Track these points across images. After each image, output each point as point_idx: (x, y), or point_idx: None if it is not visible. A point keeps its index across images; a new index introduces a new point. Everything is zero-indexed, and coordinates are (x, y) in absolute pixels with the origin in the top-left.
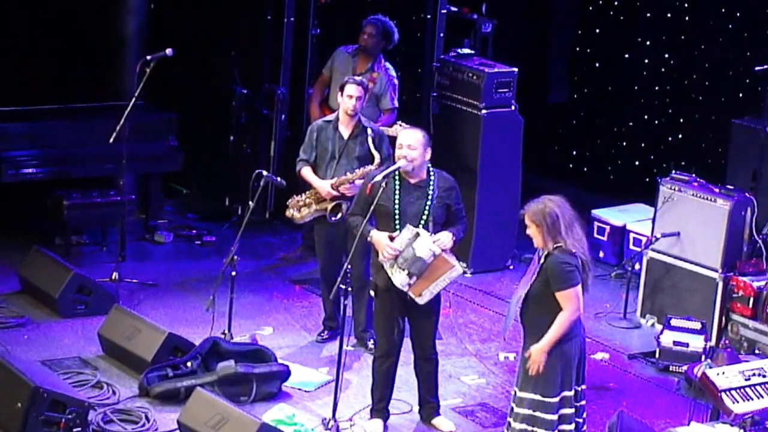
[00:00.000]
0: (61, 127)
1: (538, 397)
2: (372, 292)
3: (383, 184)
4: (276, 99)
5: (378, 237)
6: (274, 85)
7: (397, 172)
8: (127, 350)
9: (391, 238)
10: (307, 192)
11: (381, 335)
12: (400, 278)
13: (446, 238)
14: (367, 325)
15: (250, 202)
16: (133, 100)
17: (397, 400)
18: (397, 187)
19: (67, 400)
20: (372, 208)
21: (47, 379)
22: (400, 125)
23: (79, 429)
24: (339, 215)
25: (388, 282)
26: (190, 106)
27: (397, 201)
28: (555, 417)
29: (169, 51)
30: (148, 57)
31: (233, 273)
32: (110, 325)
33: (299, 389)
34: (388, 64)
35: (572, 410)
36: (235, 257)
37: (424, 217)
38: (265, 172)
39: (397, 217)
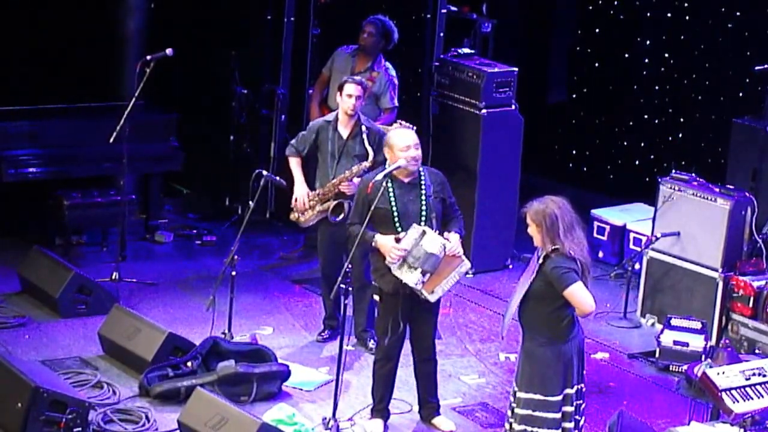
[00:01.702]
0: (61, 126)
1: (539, 396)
2: (377, 297)
3: (383, 183)
4: (276, 99)
5: (383, 241)
6: (274, 85)
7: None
8: (128, 350)
9: (397, 240)
10: (310, 194)
11: (383, 339)
12: (413, 278)
13: (456, 239)
14: (367, 325)
15: (251, 202)
16: (134, 99)
17: (398, 400)
18: (392, 188)
19: (68, 400)
20: (371, 210)
21: (48, 379)
22: (400, 124)
23: (80, 429)
24: (341, 215)
25: (395, 285)
26: (190, 106)
27: (394, 202)
28: (558, 415)
29: (169, 51)
30: (149, 57)
31: (233, 273)
32: (110, 324)
33: (299, 389)
34: (387, 64)
35: (572, 408)
36: (236, 257)
37: (424, 213)
38: (265, 172)
39: (396, 217)
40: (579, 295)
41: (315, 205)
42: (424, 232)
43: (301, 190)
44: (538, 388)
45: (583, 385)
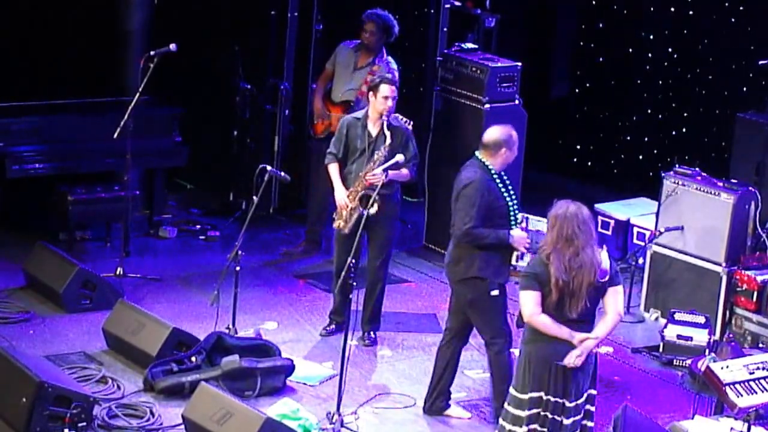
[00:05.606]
0: (65, 122)
1: (512, 390)
2: (496, 292)
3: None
4: (279, 94)
5: (519, 235)
6: (277, 80)
7: (493, 170)
8: (132, 345)
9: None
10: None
11: (501, 327)
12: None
13: None
14: (371, 320)
15: (254, 197)
16: (137, 95)
17: (401, 395)
18: (499, 184)
19: (72, 395)
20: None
21: (52, 374)
22: (398, 118)
23: (84, 424)
24: (374, 207)
25: (506, 278)
26: (194, 102)
27: (506, 196)
28: (524, 414)
29: (173, 46)
30: (152, 52)
31: (237, 268)
32: (115, 320)
33: (304, 384)
34: (389, 58)
35: (537, 411)
36: (240, 252)
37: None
38: (269, 167)
39: (511, 210)
40: (521, 300)
41: (350, 203)
42: None
43: (342, 193)
44: (514, 381)
45: (594, 391)
